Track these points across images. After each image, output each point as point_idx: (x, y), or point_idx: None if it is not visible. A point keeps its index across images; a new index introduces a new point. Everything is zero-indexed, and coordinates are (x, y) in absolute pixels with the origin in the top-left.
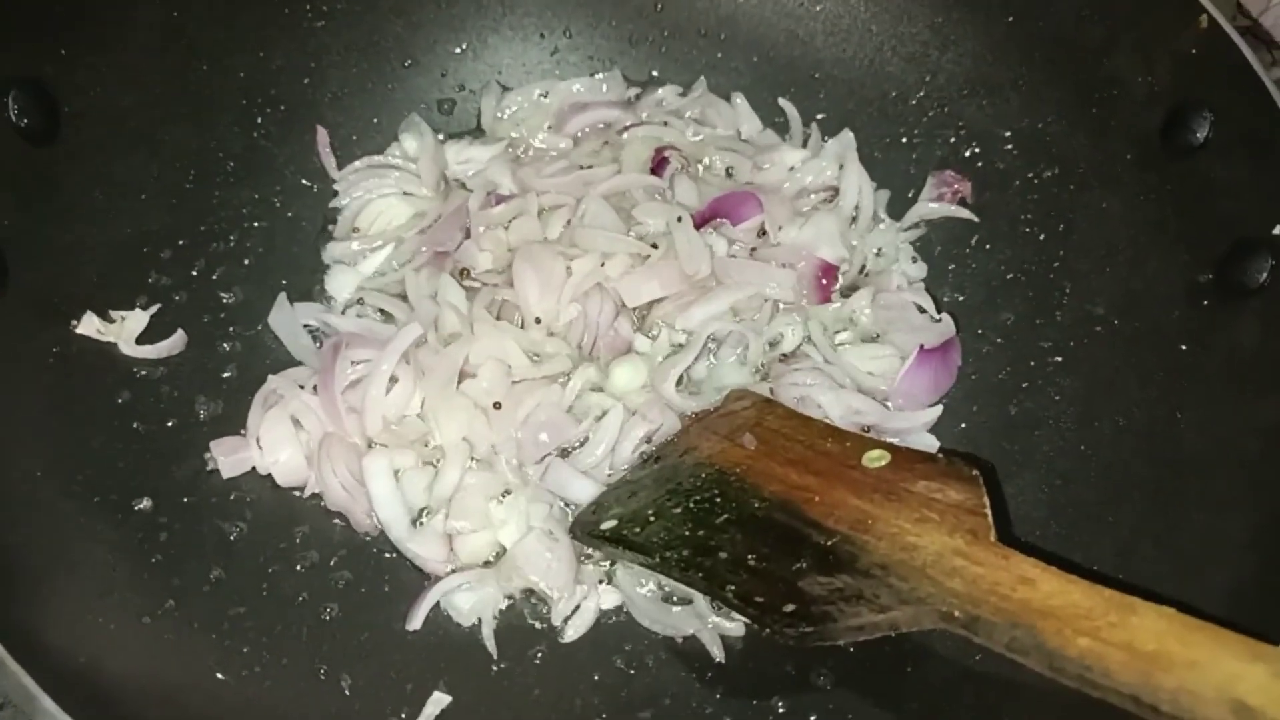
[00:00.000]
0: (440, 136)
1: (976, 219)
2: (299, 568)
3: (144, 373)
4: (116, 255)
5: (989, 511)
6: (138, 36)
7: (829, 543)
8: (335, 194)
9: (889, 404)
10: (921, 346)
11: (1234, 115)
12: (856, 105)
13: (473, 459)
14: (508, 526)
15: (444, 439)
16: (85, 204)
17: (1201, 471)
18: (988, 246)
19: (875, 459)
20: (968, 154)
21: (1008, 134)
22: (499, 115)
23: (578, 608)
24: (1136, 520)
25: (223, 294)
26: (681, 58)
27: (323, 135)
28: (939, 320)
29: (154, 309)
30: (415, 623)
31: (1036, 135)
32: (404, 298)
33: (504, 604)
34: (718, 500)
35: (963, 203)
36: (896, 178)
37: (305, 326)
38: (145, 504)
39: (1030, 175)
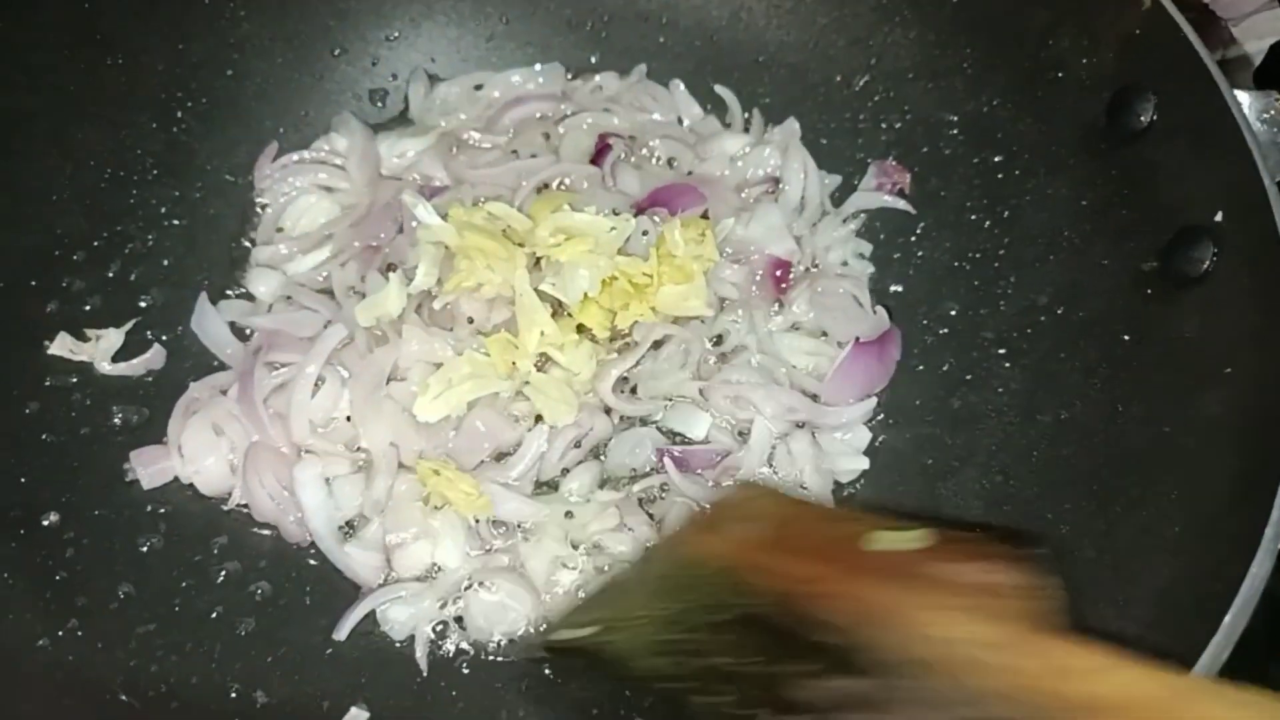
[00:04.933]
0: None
1: (914, 211)
2: (216, 580)
3: (52, 381)
4: (26, 260)
5: (1041, 594)
6: (44, 33)
7: (833, 643)
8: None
9: (819, 399)
10: (857, 340)
11: (1177, 99)
12: (801, 90)
13: (402, 465)
14: (443, 543)
15: (370, 445)
16: None
17: (1141, 468)
18: (933, 234)
19: (894, 540)
20: (914, 139)
21: (954, 118)
22: (430, 106)
23: None
24: (1076, 518)
25: (141, 296)
26: (622, 44)
27: (270, 150)
28: (875, 313)
29: (129, 325)
30: (342, 633)
31: (982, 120)
32: (332, 294)
33: (439, 619)
34: (713, 603)
35: (901, 193)
36: (844, 163)
37: (231, 325)
38: (52, 519)
39: (976, 161)
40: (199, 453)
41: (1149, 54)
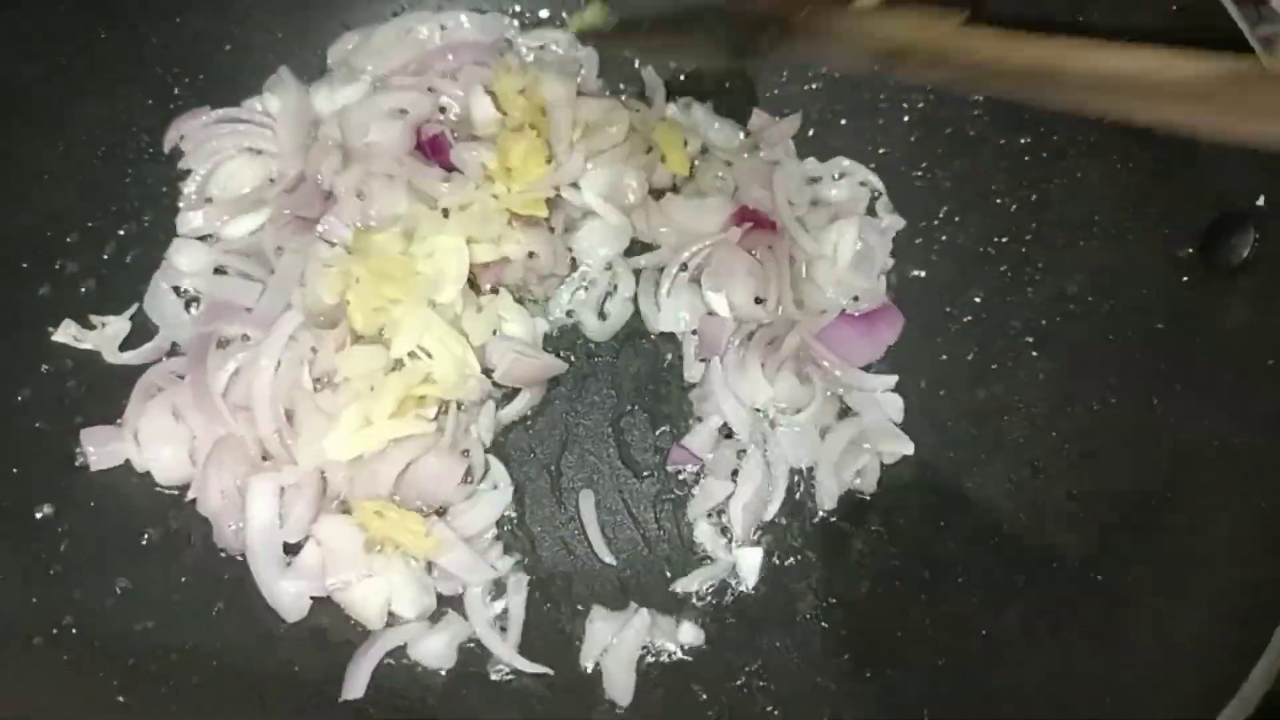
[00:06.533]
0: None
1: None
2: (221, 575)
3: (48, 368)
4: (17, 242)
5: None
6: (38, 4)
7: None
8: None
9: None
10: (844, 311)
11: None
12: (819, 69)
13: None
14: (398, 591)
15: (299, 463)
16: None
17: (1184, 464)
18: (956, 219)
19: None
20: (937, 119)
21: (979, 98)
22: (358, 51)
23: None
24: (1111, 517)
25: (138, 280)
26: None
27: (198, 112)
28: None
29: (133, 310)
30: (356, 690)
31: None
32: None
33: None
34: None
35: None
36: (864, 143)
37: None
38: (46, 510)
39: (1002, 142)
40: (156, 440)
41: (1183, 26)
